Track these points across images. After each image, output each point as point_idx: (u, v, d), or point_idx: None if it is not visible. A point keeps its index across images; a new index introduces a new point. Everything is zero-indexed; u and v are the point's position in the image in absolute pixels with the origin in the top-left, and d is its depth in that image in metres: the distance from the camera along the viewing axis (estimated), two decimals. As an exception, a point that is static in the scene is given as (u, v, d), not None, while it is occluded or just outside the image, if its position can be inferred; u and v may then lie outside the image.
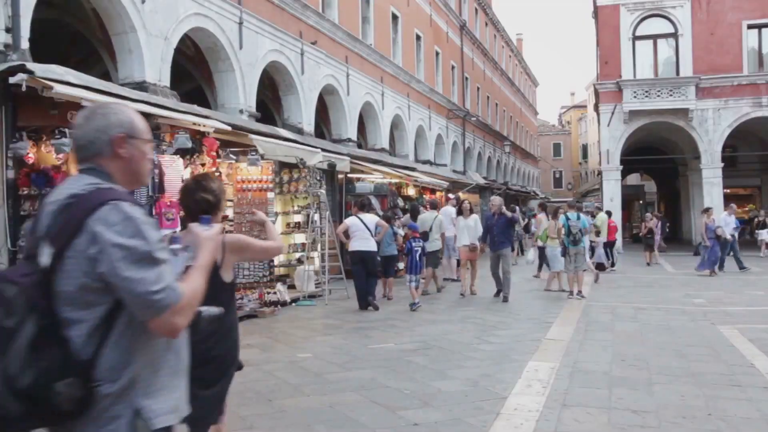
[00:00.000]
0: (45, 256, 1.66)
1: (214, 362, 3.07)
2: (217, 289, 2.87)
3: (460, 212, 13.17)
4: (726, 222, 16.41)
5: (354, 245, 10.51)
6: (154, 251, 1.67)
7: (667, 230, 26.22)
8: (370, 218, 10.71)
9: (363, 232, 10.47)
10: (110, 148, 1.81)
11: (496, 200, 12.12)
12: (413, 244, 10.73)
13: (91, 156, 1.82)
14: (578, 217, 11.88)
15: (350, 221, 10.80)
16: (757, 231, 21.69)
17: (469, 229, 12.17)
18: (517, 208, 22.97)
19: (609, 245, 17.69)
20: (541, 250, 14.52)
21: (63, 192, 1.75)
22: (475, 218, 12.38)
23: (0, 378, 1.54)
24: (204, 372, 2.89)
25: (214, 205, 3.17)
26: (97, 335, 1.64)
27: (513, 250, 13.96)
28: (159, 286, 1.63)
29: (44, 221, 1.73)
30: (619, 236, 20.27)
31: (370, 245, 10.44)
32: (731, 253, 16.40)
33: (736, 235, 17.05)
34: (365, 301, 10.42)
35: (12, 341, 1.56)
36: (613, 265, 17.63)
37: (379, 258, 10.85)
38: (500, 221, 11.56)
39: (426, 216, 12.73)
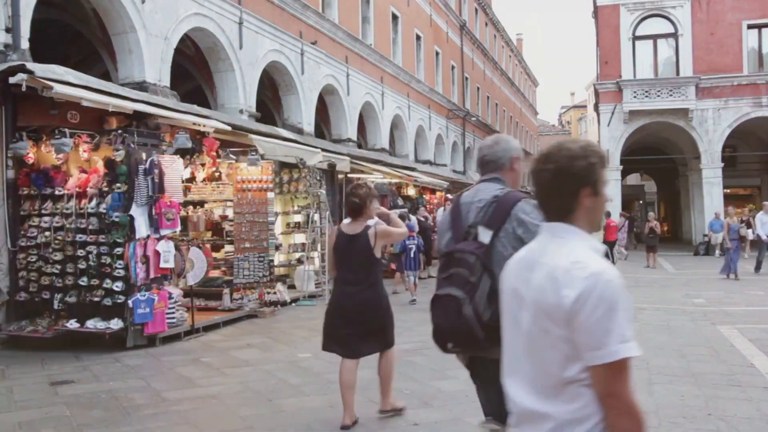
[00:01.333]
0: (485, 236, 2.48)
1: (370, 308, 4.68)
2: (372, 261, 4.68)
3: None
4: (763, 221, 16.10)
5: None
6: None
7: (635, 229, 26.91)
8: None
9: None
10: (510, 164, 2.71)
11: None
12: (407, 242, 11.29)
13: (496, 169, 2.71)
14: None
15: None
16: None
17: None
18: None
19: (609, 245, 17.76)
20: None
21: (486, 194, 2.60)
22: None
23: (473, 313, 2.35)
24: (363, 315, 4.64)
25: (360, 205, 4.68)
26: None
27: None
28: None
29: (473, 213, 2.58)
30: (619, 236, 20.29)
31: None
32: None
33: None
34: None
35: (476, 291, 2.37)
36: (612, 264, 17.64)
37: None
38: None
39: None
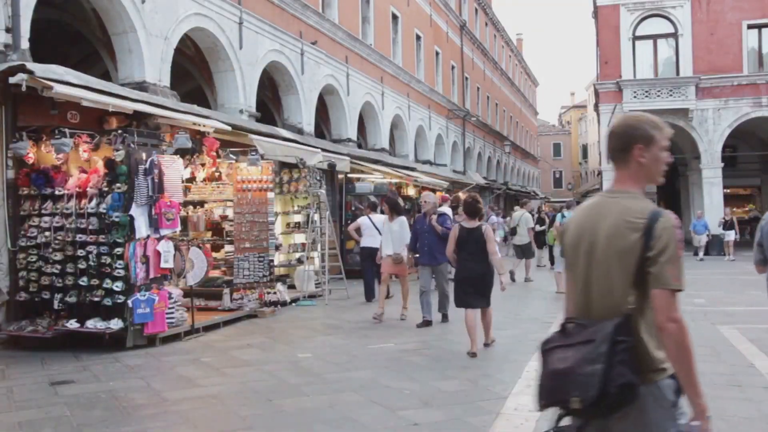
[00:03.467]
0: None
1: (483, 279, 7.02)
2: (484, 246, 6.96)
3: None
4: None
5: (365, 242, 11.50)
6: None
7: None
8: (379, 218, 11.17)
9: (372, 230, 11.28)
10: None
11: (430, 198, 9.35)
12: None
13: None
14: None
15: (362, 221, 11.84)
16: (723, 231, 21.08)
17: (392, 235, 9.58)
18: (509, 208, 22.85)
19: None
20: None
21: None
22: (401, 221, 9.69)
23: None
24: (479, 284, 7.00)
25: (480, 209, 7.18)
26: None
27: None
28: None
29: None
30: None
31: (379, 242, 10.62)
32: None
33: None
34: (372, 293, 11.33)
35: None
36: None
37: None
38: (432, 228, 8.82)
39: (515, 214, 15.76)
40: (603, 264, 2.12)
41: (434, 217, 8.89)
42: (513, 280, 14.18)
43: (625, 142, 2.20)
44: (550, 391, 2.11)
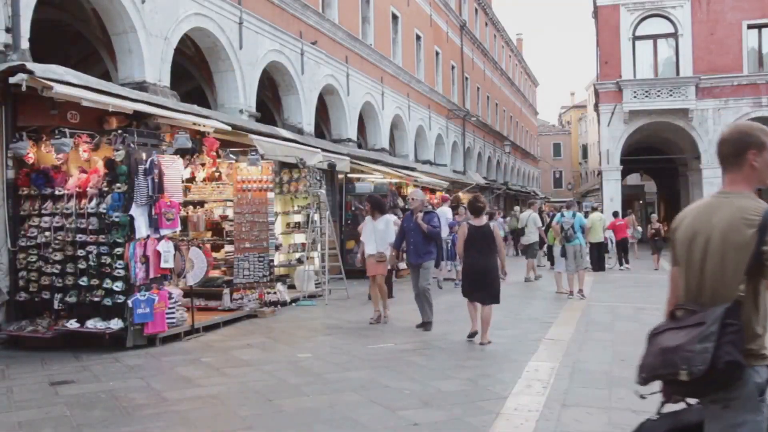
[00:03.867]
0: None
1: (488, 274, 7.55)
2: (491, 242, 7.57)
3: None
4: None
5: None
6: None
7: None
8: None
9: None
10: None
11: (417, 194, 9.12)
12: (446, 237, 12.94)
13: None
14: (573, 215, 11.89)
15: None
16: None
17: (376, 234, 9.35)
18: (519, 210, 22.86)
19: (621, 244, 18.42)
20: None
21: None
22: (385, 220, 9.48)
23: None
24: (483, 278, 7.49)
25: (483, 208, 7.86)
26: None
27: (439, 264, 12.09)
28: None
29: None
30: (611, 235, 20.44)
31: None
32: None
33: None
34: None
35: None
36: (623, 263, 17.87)
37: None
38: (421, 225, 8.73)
39: (523, 215, 16.25)
40: (717, 256, 2.34)
41: (420, 215, 8.67)
42: (535, 278, 14.81)
43: (739, 148, 2.41)
44: (656, 366, 2.31)
